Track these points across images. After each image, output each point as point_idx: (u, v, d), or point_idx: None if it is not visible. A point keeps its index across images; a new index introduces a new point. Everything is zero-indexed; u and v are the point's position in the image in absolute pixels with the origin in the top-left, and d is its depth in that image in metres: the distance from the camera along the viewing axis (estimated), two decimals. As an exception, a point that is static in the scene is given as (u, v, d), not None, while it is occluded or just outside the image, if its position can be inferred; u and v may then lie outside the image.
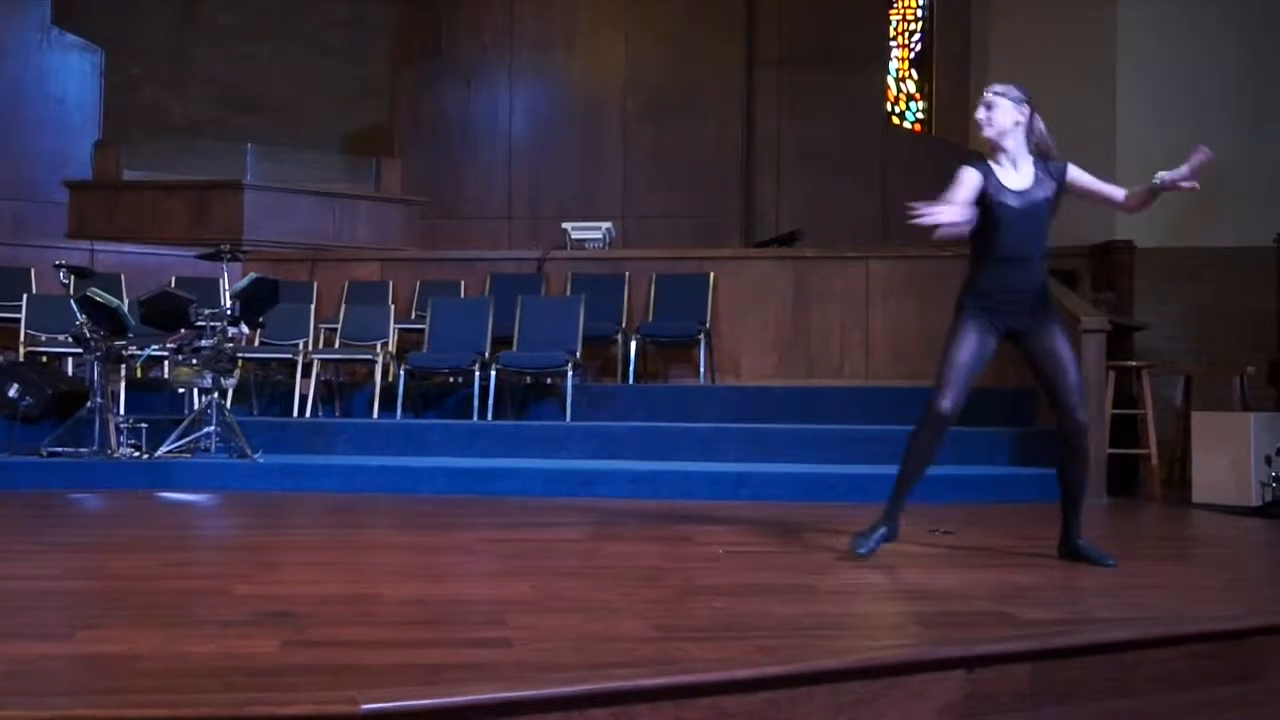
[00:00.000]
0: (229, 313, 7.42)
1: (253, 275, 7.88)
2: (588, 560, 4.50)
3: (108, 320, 7.28)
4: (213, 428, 7.31)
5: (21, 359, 8.18)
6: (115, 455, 7.12)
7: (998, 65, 12.07)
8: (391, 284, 9.77)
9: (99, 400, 7.20)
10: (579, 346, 8.55)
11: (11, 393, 7.50)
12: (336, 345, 8.99)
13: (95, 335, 7.19)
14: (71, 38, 11.29)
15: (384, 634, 3.01)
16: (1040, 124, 4.48)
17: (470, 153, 12.05)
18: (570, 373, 8.29)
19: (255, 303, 7.65)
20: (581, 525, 5.51)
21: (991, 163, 4.46)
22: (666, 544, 4.95)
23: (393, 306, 9.23)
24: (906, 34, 13.75)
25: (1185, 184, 4.31)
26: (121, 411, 7.55)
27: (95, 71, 11.42)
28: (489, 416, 8.34)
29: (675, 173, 11.74)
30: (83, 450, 7.15)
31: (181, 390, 7.79)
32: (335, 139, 12.57)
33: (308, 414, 8.57)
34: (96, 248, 9.76)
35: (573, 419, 8.24)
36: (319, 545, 4.81)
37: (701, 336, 9.07)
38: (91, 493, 6.65)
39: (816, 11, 11.89)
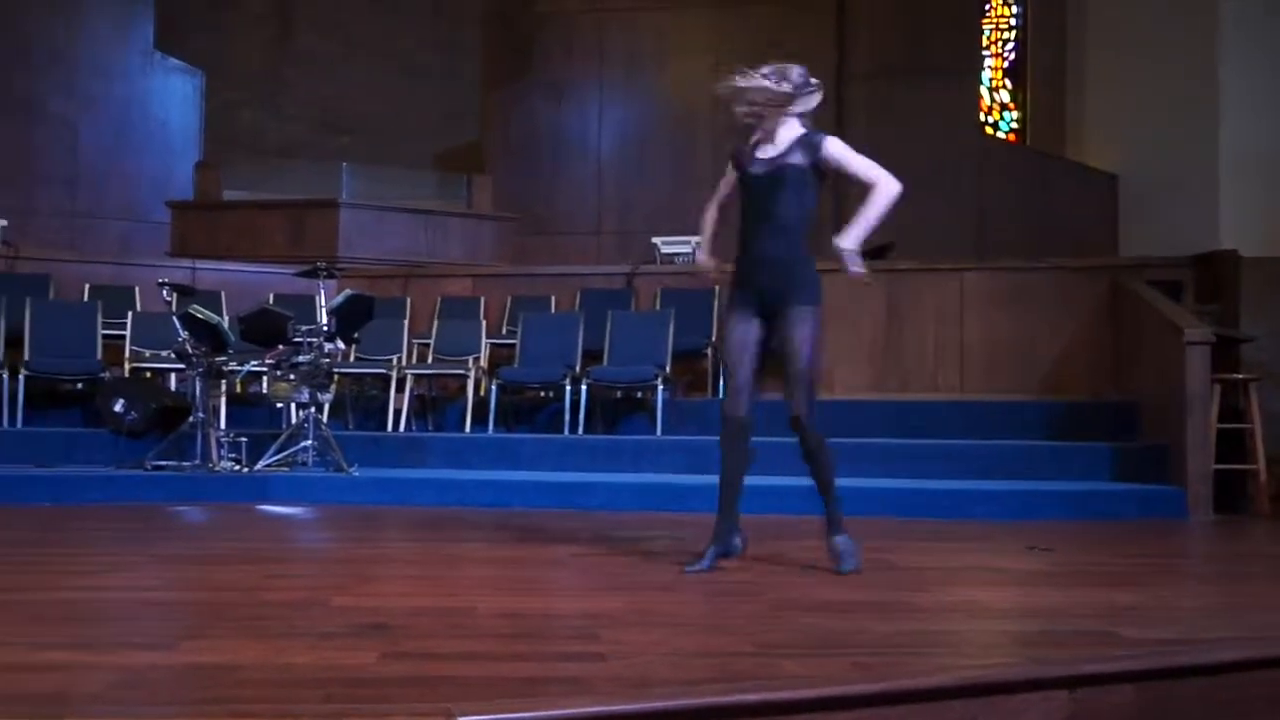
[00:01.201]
0: (325, 329, 7.54)
1: (348, 292, 8.01)
2: (679, 575, 4.48)
3: (209, 337, 7.44)
4: (310, 442, 7.44)
5: (127, 375, 8.40)
6: (216, 469, 7.27)
7: (1096, 70, 11.89)
8: (483, 299, 9.87)
9: (201, 415, 7.37)
10: (669, 360, 8.56)
11: (118, 408, 7.72)
12: (429, 360, 9.10)
13: (197, 351, 7.36)
14: (173, 61, 11.61)
15: (478, 647, 3.03)
16: (812, 103, 4.51)
17: (560, 169, 12.14)
18: (660, 387, 8.30)
19: (351, 319, 7.77)
20: (673, 539, 5.50)
21: (753, 139, 4.51)
22: (759, 559, 4.91)
23: (484, 322, 9.32)
24: (999, 43, 13.58)
25: (850, 269, 4.43)
26: (222, 426, 7.72)
27: (196, 94, 11.74)
28: (580, 430, 8.38)
29: (764, 185, 11.71)
30: (185, 464, 7.32)
31: (279, 405, 7.94)
32: (428, 157, 12.75)
33: (401, 428, 8.69)
34: (198, 266, 10.01)
35: (663, 433, 8.24)
36: (413, 558, 4.86)
37: (793, 350, 9.01)
38: (193, 505, 6.79)
39: (907, 24, 11.78)
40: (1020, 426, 8.03)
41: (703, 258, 4.81)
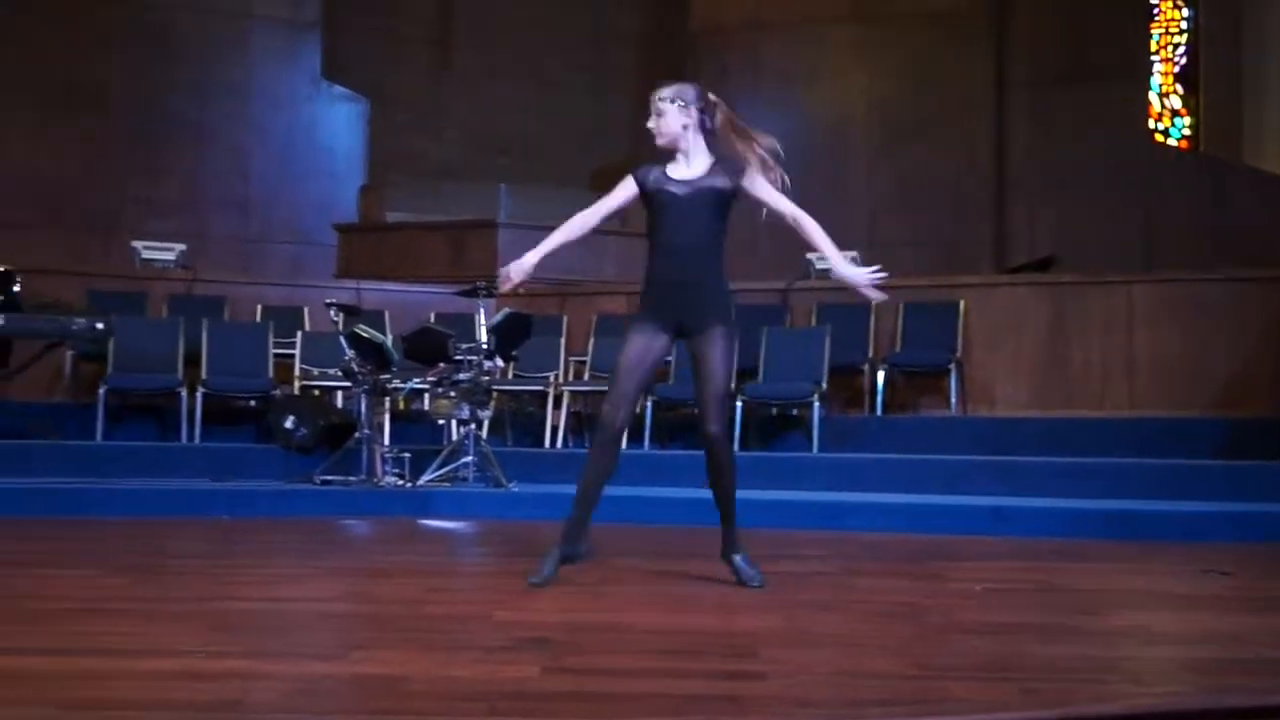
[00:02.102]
0: (485, 347, 7.69)
1: (507, 310, 8.15)
2: (839, 594, 4.43)
3: (374, 355, 7.66)
4: (470, 458, 7.58)
5: (297, 393, 8.71)
6: (381, 484, 7.47)
7: (1277, 73, 11.39)
8: (638, 317, 9.91)
9: (366, 431, 7.58)
10: (825, 377, 8.48)
11: (288, 424, 8.01)
12: (586, 377, 9.19)
13: (362, 370, 7.58)
14: (339, 89, 12.02)
15: (637, 663, 3.04)
16: (718, 121, 4.40)
17: (713, 186, 12.15)
18: (816, 404, 8.23)
19: (510, 337, 7.91)
20: (831, 558, 5.44)
21: (661, 165, 4.42)
22: (920, 579, 4.83)
23: (640, 339, 9.36)
24: (1170, 47, 13.10)
25: (864, 291, 4.42)
26: (386, 442, 7.91)
27: (360, 120, 12.13)
28: (735, 447, 8.34)
29: (921, 200, 11.51)
30: (351, 479, 7.54)
31: (441, 422, 8.10)
32: (583, 176, 12.91)
33: (559, 444, 8.79)
34: (363, 286, 10.31)
35: (819, 450, 8.17)
36: (572, 573, 4.89)
37: (952, 366, 8.85)
38: (359, 519, 6.99)
39: (1069, 30, 11.45)
40: (1192, 445, 7.72)
41: (527, 260, 4.66)
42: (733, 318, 4.48)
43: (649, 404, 8.58)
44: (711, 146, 4.45)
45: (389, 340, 8.04)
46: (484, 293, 8.23)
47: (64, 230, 11.11)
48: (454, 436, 7.91)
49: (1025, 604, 4.22)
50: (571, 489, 7.44)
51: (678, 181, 4.39)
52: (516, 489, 7.36)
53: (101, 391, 8.48)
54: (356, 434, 7.65)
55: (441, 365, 7.67)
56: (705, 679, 2.87)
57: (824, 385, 8.42)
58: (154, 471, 7.74)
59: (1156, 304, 8.73)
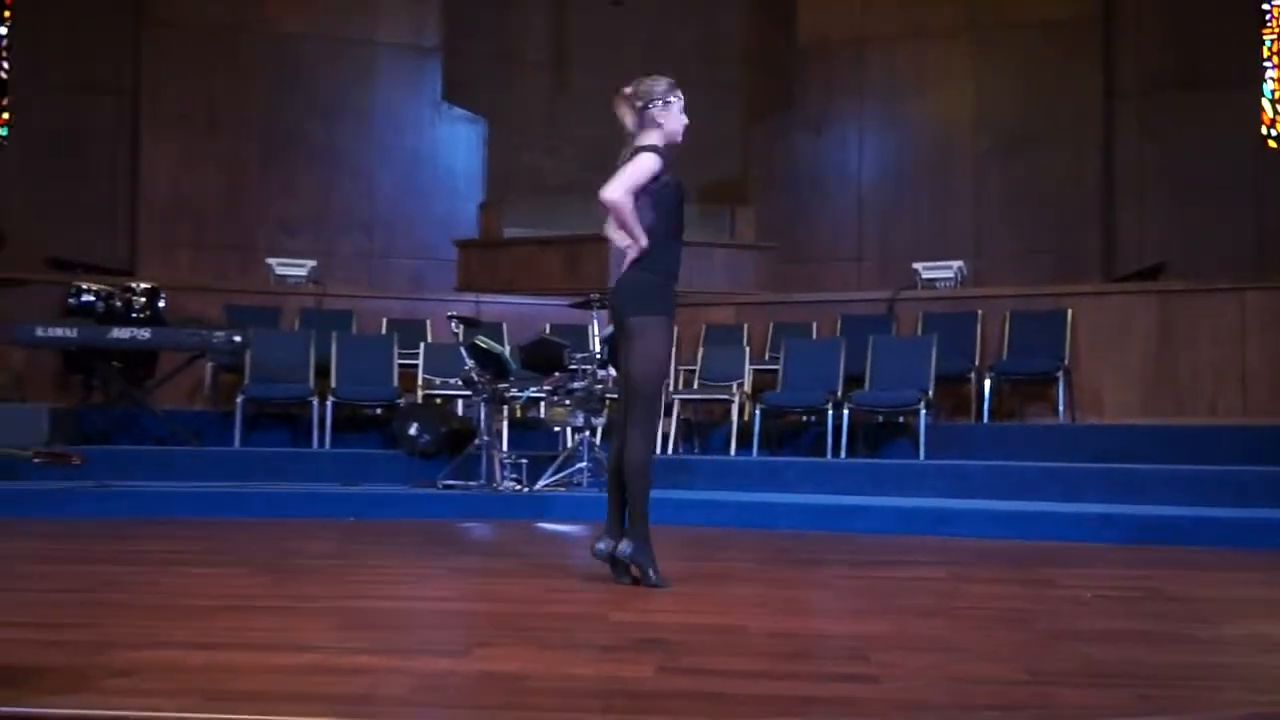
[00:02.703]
0: (598, 356, 7.73)
1: (619, 321, 8.17)
2: (948, 600, 4.35)
3: (493, 365, 7.75)
4: (584, 463, 7.63)
5: (420, 401, 8.86)
6: (499, 488, 7.55)
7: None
8: (746, 326, 9.90)
9: (485, 438, 7.68)
10: (931, 385, 8.36)
11: (412, 431, 8.15)
12: (695, 386, 9.19)
13: (482, 379, 7.67)
14: (458, 111, 12.20)
15: (751, 664, 3.02)
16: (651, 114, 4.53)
17: (820, 199, 12.06)
18: (923, 411, 8.11)
19: (622, 347, 7.92)
20: (939, 564, 5.35)
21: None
22: (1029, 585, 4.72)
23: (748, 348, 9.35)
24: (1283, 52, 12.64)
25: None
26: (505, 448, 8.00)
27: (479, 140, 12.30)
28: (842, 454, 8.28)
29: (1029, 209, 11.27)
30: (471, 483, 7.63)
31: (557, 429, 8.17)
32: (692, 191, 12.90)
33: (669, 451, 8.80)
34: (482, 299, 10.45)
35: (926, 457, 8.05)
36: (684, 576, 4.89)
37: (1060, 373, 8.66)
38: (479, 522, 7.07)
39: (1179, 37, 11.10)
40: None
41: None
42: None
43: (757, 410, 8.54)
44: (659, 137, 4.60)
45: (507, 351, 8.13)
46: (597, 304, 8.29)
47: (205, 249, 11.46)
48: (569, 443, 7.96)
49: (1136, 611, 4.10)
50: (681, 494, 7.52)
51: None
52: (629, 494, 7.37)
53: (239, 400, 8.72)
54: (476, 440, 7.75)
55: (557, 374, 7.74)
56: (818, 681, 2.85)
57: (930, 393, 8.30)
58: (287, 476, 7.92)
59: (1270, 310, 8.43)
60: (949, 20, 11.68)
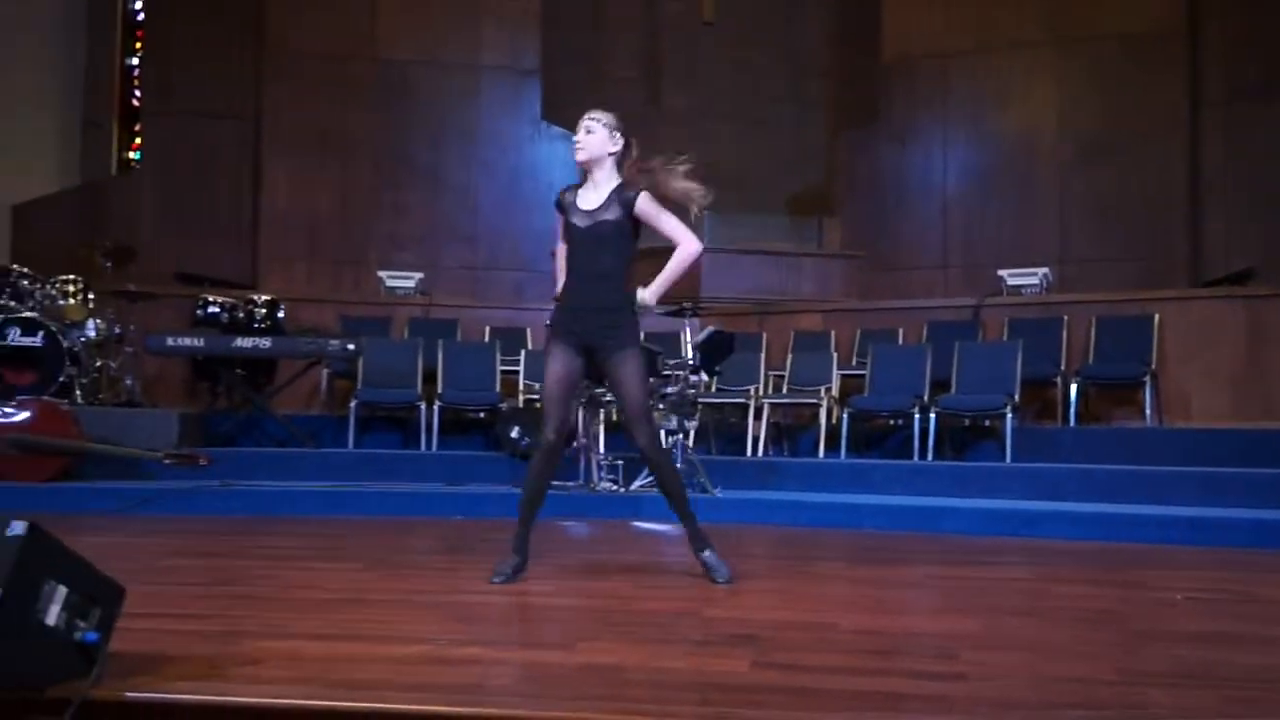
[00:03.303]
0: (691, 363, 7.73)
1: (710, 328, 8.19)
2: (1036, 600, 4.27)
3: (591, 371, 7.77)
4: (678, 465, 7.63)
5: (521, 405, 8.94)
6: (596, 489, 7.59)
7: None
8: (833, 333, 9.83)
9: (583, 440, 7.72)
10: (1017, 389, 8.21)
11: (514, 434, 8.23)
12: (784, 390, 9.15)
13: (581, 383, 7.71)
14: (556, 129, 12.29)
15: (841, 661, 3.00)
16: (633, 154, 4.36)
17: (905, 207, 11.93)
18: (1009, 415, 7.97)
19: (713, 353, 7.93)
20: (1027, 565, 5.25)
21: (580, 186, 4.40)
22: (1117, 587, 4.62)
23: (835, 354, 9.28)
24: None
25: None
26: (602, 450, 8.03)
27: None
28: (929, 457, 8.17)
29: (1113, 217, 11.02)
30: (570, 484, 7.67)
31: (651, 432, 8.17)
32: (780, 202, 12.87)
33: (759, 453, 8.77)
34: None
35: (1012, 460, 7.90)
36: (775, 574, 4.88)
37: (1146, 378, 8.45)
38: (577, 521, 7.11)
39: (1265, 46, 10.76)
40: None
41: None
42: (639, 338, 4.47)
43: (844, 414, 8.47)
44: (618, 176, 4.39)
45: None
46: (689, 312, 8.30)
47: (321, 263, 11.71)
48: (663, 446, 7.96)
49: (1226, 613, 3.98)
50: (770, 495, 7.49)
51: (582, 213, 4.38)
52: (720, 494, 7.37)
53: (352, 405, 8.89)
54: (574, 443, 7.80)
55: (651, 380, 7.75)
56: (908, 678, 2.82)
57: (1016, 396, 8.15)
58: (397, 476, 8.05)
59: (1359, 315, 8.14)
60: (1029, 33, 11.48)
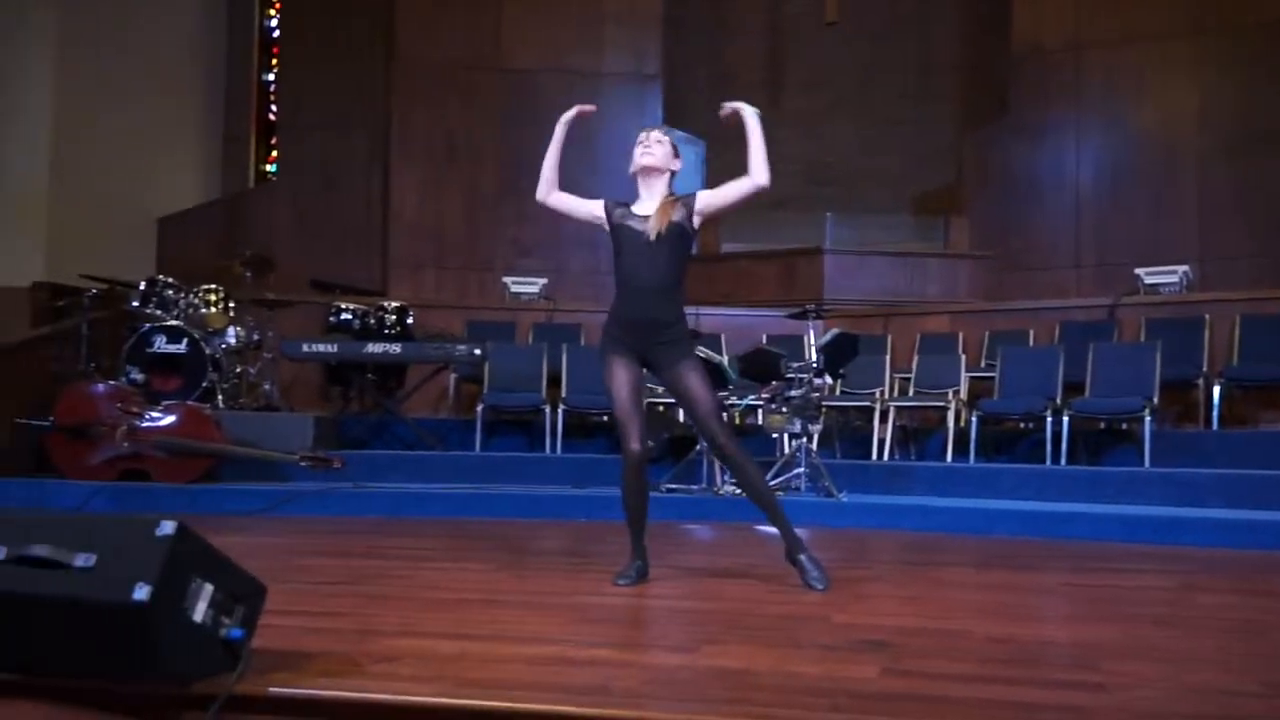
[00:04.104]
0: (814, 365, 7.67)
1: (834, 331, 8.11)
2: (1177, 609, 4.12)
3: (712, 374, 7.77)
4: (801, 469, 7.58)
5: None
6: (720, 492, 7.58)
7: None
8: (961, 335, 9.65)
9: (706, 444, 7.71)
10: (1156, 392, 7.94)
11: (637, 437, 8.25)
12: (910, 393, 9.01)
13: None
14: (679, 133, 12.26)
15: (975, 669, 2.94)
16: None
17: (1036, 205, 11.63)
18: (1147, 418, 7.71)
19: (837, 356, 7.86)
20: (1166, 573, 5.07)
21: (626, 202, 4.40)
22: (1262, 596, 4.43)
23: (963, 356, 9.11)
24: None
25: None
26: (725, 454, 8.02)
27: (698, 160, 12.39)
28: (1061, 461, 7.96)
29: (1259, 212, 10.58)
30: (693, 487, 7.69)
31: (774, 435, 8.15)
32: (905, 202, 12.69)
33: (885, 457, 8.65)
34: (701, 311, 10.46)
35: (1151, 464, 7.64)
36: (904, 580, 4.81)
37: (1293, 379, 8.09)
38: (701, 524, 7.11)
39: None
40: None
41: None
42: (693, 347, 4.46)
43: (974, 418, 8.30)
44: (668, 192, 4.43)
45: (726, 360, 8.16)
46: (812, 314, 8.24)
47: (448, 270, 11.95)
48: (786, 449, 7.92)
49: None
50: (897, 499, 7.38)
51: (641, 218, 4.34)
52: (846, 499, 7.29)
53: (479, 408, 9.04)
54: (697, 446, 7.81)
55: (774, 383, 7.72)
56: (1045, 688, 2.74)
57: (1155, 399, 7.88)
58: (522, 478, 8.16)
59: None
60: (1168, 23, 11.10)
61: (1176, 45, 11.10)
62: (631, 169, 4.48)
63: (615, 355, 4.36)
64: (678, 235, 4.32)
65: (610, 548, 5.49)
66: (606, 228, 4.45)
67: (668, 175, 4.44)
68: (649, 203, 4.40)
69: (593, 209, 4.49)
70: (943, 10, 12.97)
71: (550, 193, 4.60)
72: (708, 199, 4.39)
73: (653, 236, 4.30)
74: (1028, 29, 11.73)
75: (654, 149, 4.41)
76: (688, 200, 4.37)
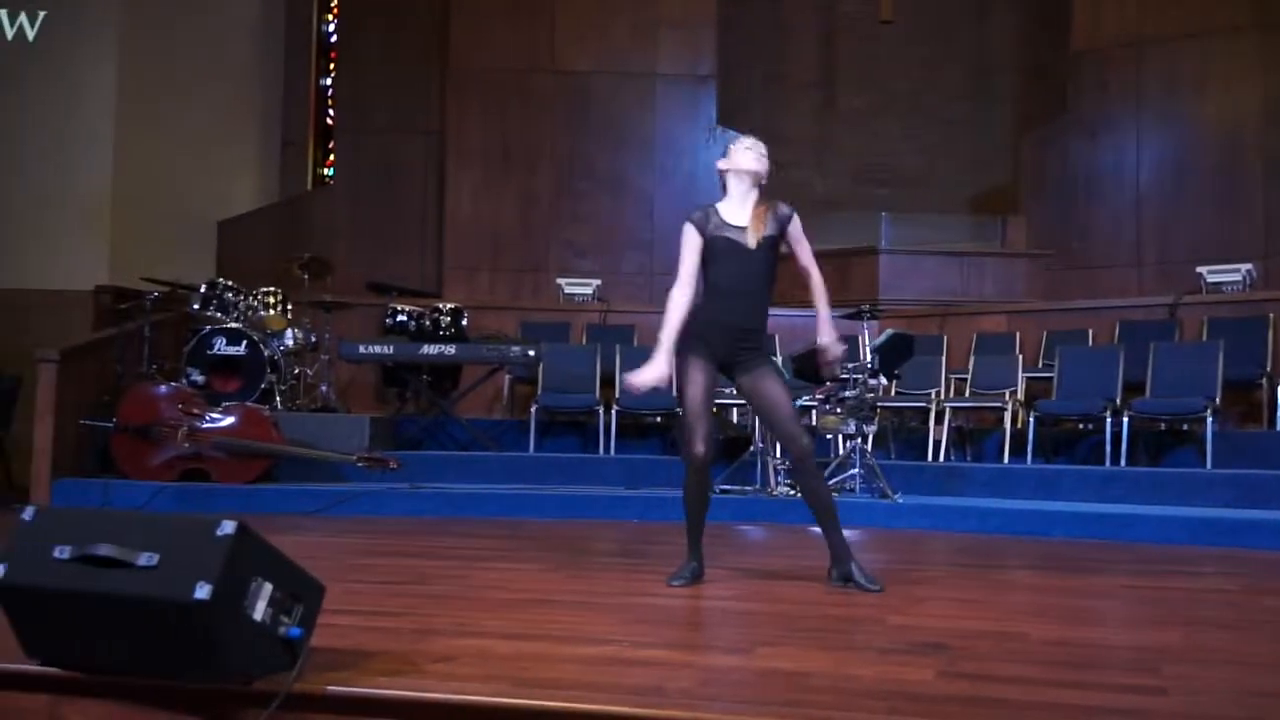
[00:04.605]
0: (869, 366, 7.62)
1: (889, 331, 8.05)
2: (1242, 612, 4.05)
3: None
4: (856, 470, 7.53)
5: (697, 409, 8.95)
6: (774, 493, 7.55)
7: None
8: (1018, 335, 9.53)
9: (760, 445, 7.70)
10: (1218, 392, 7.80)
11: (690, 438, 8.25)
12: (966, 394, 8.92)
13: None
14: (732, 133, 12.28)
15: (1034, 672, 2.90)
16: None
17: (1095, 203, 11.45)
18: (1210, 418, 7.57)
19: (892, 356, 7.79)
20: (1231, 575, 4.98)
21: (719, 204, 4.41)
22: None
23: (1020, 356, 9.00)
24: None
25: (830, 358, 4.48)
26: (778, 455, 7.98)
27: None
28: (1121, 462, 7.83)
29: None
30: (747, 488, 7.67)
31: (829, 436, 8.10)
32: (962, 202, 12.56)
33: (941, 458, 8.57)
34: (754, 312, 10.47)
35: (1213, 466, 7.51)
36: (961, 582, 4.76)
37: (1361, 379, 7.91)
38: (755, 525, 7.09)
39: None
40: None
41: (662, 363, 4.35)
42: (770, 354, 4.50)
43: (1032, 419, 8.20)
44: (757, 197, 4.44)
45: (780, 360, 8.12)
46: (867, 315, 8.18)
47: (502, 271, 12.00)
48: (841, 450, 7.88)
49: None
50: (954, 500, 7.31)
51: (736, 229, 4.36)
52: (901, 500, 7.24)
53: (533, 409, 9.08)
54: (751, 447, 7.79)
55: (829, 383, 7.67)
56: (1105, 691, 2.70)
57: (1217, 399, 7.74)
58: (577, 479, 8.19)
59: None
60: (1232, 17, 10.87)
61: (1239, 40, 10.87)
62: (729, 166, 4.50)
63: (696, 357, 4.39)
64: (771, 245, 4.39)
65: (664, 549, 5.49)
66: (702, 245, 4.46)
67: (752, 183, 4.47)
68: (740, 209, 4.44)
69: (696, 245, 4.46)
70: (1000, 8, 12.82)
71: (689, 298, 4.50)
72: (795, 235, 4.47)
73: (752, 244, 4.35)
74: (1087, 26, 11.55)
75: (753, 159, 4.45)
76: (779, 214, 4.42)
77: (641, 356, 9.48)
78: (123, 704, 2.59)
